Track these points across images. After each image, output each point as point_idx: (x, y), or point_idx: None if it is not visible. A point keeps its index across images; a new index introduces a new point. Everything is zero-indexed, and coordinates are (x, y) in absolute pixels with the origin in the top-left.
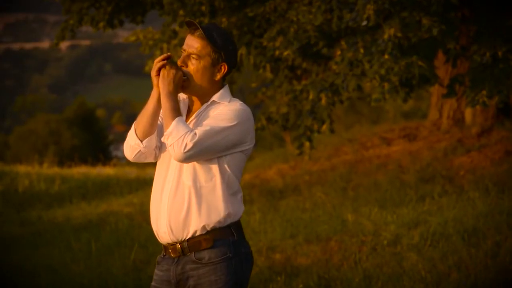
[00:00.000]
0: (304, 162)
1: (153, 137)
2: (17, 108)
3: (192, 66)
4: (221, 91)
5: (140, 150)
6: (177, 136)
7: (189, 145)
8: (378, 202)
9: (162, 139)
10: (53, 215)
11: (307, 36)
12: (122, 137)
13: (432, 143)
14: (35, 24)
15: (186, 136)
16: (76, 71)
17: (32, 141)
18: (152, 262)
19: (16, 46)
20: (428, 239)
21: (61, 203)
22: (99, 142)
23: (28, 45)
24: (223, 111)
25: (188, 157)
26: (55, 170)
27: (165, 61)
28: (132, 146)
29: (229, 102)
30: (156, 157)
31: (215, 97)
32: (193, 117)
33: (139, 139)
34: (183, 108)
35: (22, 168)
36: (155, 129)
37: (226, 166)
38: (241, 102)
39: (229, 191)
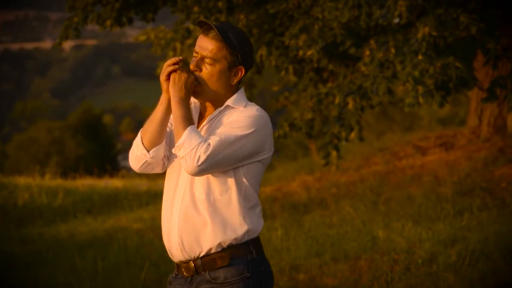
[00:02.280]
0: (330, 174)
1: (161, 146)
2: (16, 115)
3: (206, 71)
4: (235, 95)
5: (146, 161)
6: (190, 147)
7: (203, 158)
8: (411, 217)
9: (173, 151)
10: (55, 231)
11: (332, 34)
12: (131, 146)
13: (471, 152)
14: (36, 22)
15: (199, 148)
16: (81, 73)
17: (33, 150)
18: (164, 282)
19: (15, 46)
20: (466, 258)
21: (65, 218)
22: (106, 152)
23: (29, 45)
24: (239, 118)
25: (201, 170)
26: (58, 182)
27: (176, 65)
28: (138, 156)
29: (245, 107)
30: (164, 168)
31: (229, 102)
32: (204, 122)
33: (146, 148)
34: (194, 113)
35: (22, 180)
36: (163, 138)
37: (242, 177)
38: (257, 107)
39: (246, 205)
